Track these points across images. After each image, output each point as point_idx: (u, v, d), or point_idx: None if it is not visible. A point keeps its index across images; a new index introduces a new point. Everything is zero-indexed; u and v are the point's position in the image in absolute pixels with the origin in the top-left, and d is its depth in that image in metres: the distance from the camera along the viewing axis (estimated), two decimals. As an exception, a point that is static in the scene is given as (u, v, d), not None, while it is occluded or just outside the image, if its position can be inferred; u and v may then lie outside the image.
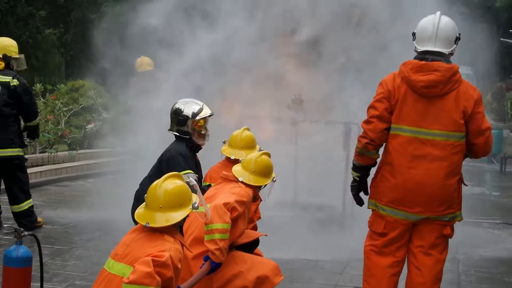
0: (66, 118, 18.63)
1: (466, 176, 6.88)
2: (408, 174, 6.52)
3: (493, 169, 20.18)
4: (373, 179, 6.88)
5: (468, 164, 9.38)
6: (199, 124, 8.24)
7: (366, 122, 6.69)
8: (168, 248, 5.40)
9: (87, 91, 21.25)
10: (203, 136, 8.29)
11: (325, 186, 11.68)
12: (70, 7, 41.89)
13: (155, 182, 5.69)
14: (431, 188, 6.50)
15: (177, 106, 8.36)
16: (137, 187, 9.29)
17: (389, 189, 6.64)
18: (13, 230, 6.96)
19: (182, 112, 8.26)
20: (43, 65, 47.01)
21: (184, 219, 5.63)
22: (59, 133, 17.91)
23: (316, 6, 12.70)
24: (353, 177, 6.99)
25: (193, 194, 5.68)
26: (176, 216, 5.48)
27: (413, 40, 6.76)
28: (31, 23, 44.45)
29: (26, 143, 11.56)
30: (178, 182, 5.61)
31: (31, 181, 14.05)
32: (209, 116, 8.38)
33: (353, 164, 6.93)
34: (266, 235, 7.86)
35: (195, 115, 8.22)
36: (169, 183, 5.56)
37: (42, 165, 16.51)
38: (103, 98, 20.03)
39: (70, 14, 42.37)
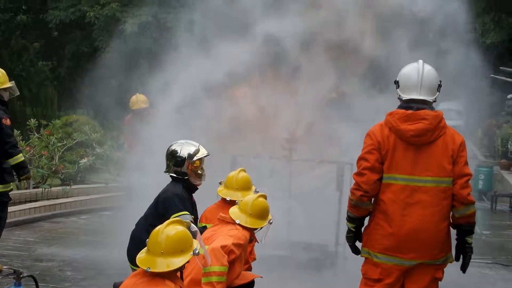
0: (60, 153, 18.60)
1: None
2: (402, 221, 6.55)
3: (484, 207, 20.10)
4: (366, 228, 6.91)
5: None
6: (195, 164, 8.23)
7: (359, 174, 6.71)
8: None
9: (80, 125, 21.30)
10: (199, 176, 8.28)
11: (318, 225, 11.59)
12: (64, 40, 41.95)
13: (157, 228, 5.70)
14: (425, 234, 6.54)
15: (173, 147, 8.37)
16: (132, 224, 9.29)
17: (383, 237, 6.66)
18: (12, 272, 7.05)
19: (179, 153, 8.26)
20: (35, 98, 47.00)
21: (184, 265, 5.63)
22: (53, 168, 17.88)
23: (310, 41, 12.84)
24: (348, 228, 6.98)
25: (194, 240, 5.70)
26: (177, 262, 5.49)
27: (396, 88, 6.83)
28: (25, 56, 44.61)
29: (17, 181, 11.46)
30: (180, 228, 5.62)
31: (24, 217, 14.20)
32: (205, 156, 8.41)
33: (348, 216, 6.93)
34: (261, 277, 7.90)
35: (191, 156, 8.22)
36: (170, 229, 5.58)
37: (36, 200, 16.46)
38: (97, 133, 20.06)
39: (64, 48, 42.44)
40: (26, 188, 17.36)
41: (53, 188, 17.49)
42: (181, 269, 5.72)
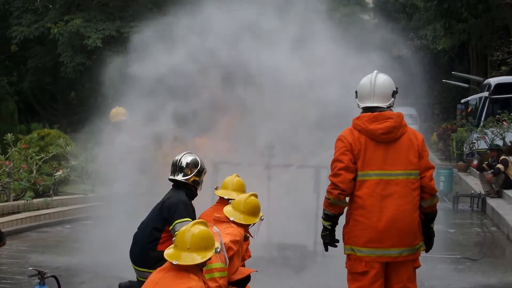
0: (37, 167, 18.71)
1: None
2: (381, 213, 6.78)
3: (446, 207, 20.42)
4: (344, 226, 7.06)
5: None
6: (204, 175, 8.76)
7: (334, 175, 6.88)
8: (194, 286, 5.74)
9: (53, 139, 21.43)
10: (200, 185, 8.75)
11: (297, 226, 11.79)
12: (24, 55, 41.68)
13: (184, 227, 6.04)
14: (402, 223, 6.79)
15: (193, 158, 8.72)
16: (114, 232, 9.56)
17: (363, 231, 6.84)
18: (37, 273, 7.40)
19: (200, 165, 8.67)
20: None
21: (206, 261, 5.96)
22: (32, 181, 17.98)
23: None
24: (324, 227, 7.11)
25: (215, 240, 6.07)
26: (201, 257, 5.84)
27: (356, 98, 7.17)
28: (-16, 72, 44.22)
29: None
30: (204, 228, 5.97)
31: (11, 228, 14.28)
32: None
33: (326, 215, 7.06)
34: (257, 271, 8.14)
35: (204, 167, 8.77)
36: (196, 228, 5.92)
37: (18, 212, 16.52)
38: (71, 146, 20.09)
39: (25, 63, 42.16)
40: (6, 201, 17.51)
41: (34, 200, 17.57)
42: (203, 264, 5.99)
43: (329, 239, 7.13)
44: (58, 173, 18.88)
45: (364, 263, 6.86)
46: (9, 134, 19.52)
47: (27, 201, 17.29)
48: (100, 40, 33.02)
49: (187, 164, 8.63)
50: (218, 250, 6.06)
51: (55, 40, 35.26)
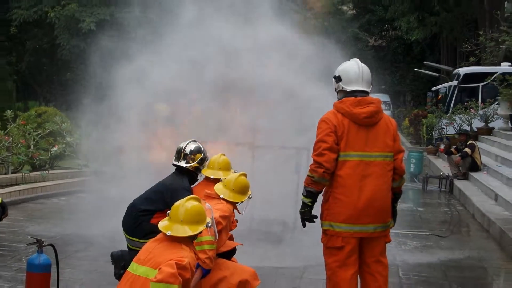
0: (34, 142, 18.68)
1: (393, 195, 7.41)
2: (360, 191, 6.81)
3: (416, 187, 20.64)
4: (323, 204, 7.05)
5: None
6: None
7: (319, 154, 6.86)
8: (186, 255, 5.81)
9: (50, 116, 21.39)
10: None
11: (278, 203, 11.86)
12: (23, 37, 41.45)
13: (179, 201, 6.12)
14: (378, 201, 6.87)
15: (197, 146, 8.78)
16: (104, 204, 9.48)
17: (343, 208, 6.84)
18: (35, 241, 7.37)
19: (203, 153, 8.74)
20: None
21: (197, 234, 6.05)
22: (30, 155, 17.95)
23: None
24: (304, 203, 7.08)
25: (207, 216, 6.16)
26: (192, 230, 5.93)
27: (337, 82, 7.11)
28: (-15, 52, 44.00)
29: None
30: (197, 204, 6.06)
31: (10, 199, 14.26)
32: None
33: (308, 192, 7.04)
34: (242, 244, 8.15)
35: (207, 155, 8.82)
36: (190, 203, 6.00)
37: (16, 184, 16.55)
38: (66, 123, 20.05)
39: (24, 44, 41.93)
40: (5, 173, 17.47)
41: (31, 173, 17.59)
42: (195, 237, 6.09)
43: (309, 215, 7.11)
44: (54, 148, 18.89)
45: (341, 238, 6.87)
46: (8, 111, 19.53)
47: (24, 174, 17.36)
48: (94, 24, 32.84)
49: (191, 151, 8.67)
50: (209, 225, 6.15)
51: (52, 23, 35.07)
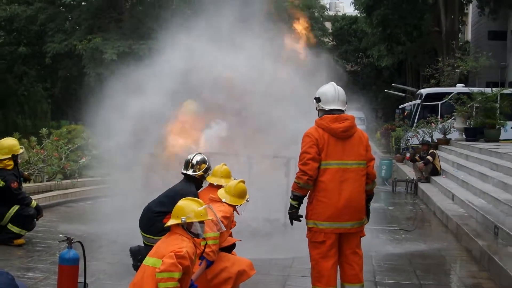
0: (65, 155, 18.65)
1: (367, 196, 7.34)
2: (339, 195, 6.84)
3: (387, 190, 20.57)
4: (308, 205, 7.06)
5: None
6: None
7: (304, 164, 6.88)
8: (185, 246, 6.00)
9: (78, 133, 21.32)
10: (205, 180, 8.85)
11: (271, 203, 11.79)
12: (56, 67, 41.41)
13: (180, 201, 6.33)
14: (355, 202, 6.91)
15: (202, 157, 8.86)
16: (119, 208, 9.43)
17: (325, 208, 6.88)
18: (66, 238, 7.35)
19: (208, 163, 8.83)
20: (33, 112, 46.51)
21: (188, 222, 6.26)
22: (61, 166, 17.90)
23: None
24: (292, 205, 7.10)
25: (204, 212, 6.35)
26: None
27: (318, 102, 7.11)
28: (25, 79, 44.06)
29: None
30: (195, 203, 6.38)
31: (45, 203, 14.16)
32: None
33: (295, 196, 7.05)
34: (240, 240, 8.16)
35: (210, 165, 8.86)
36: (191, 202, 6.36)
37: (50, 191, 16.50)
38: (92, 138, 19.95)
39: (57, 73, 41.94)
40: (41, 182, 17.39)
41: (62, 181, 17.55)
42: (190, 227, 6.31)
43: (296, 215, 7.12)
44: (82, 160, 18.78)
45: (323, 234, 6.91)
46: (43, 128, 19.54)
47: (57, 182, 17.28)
48: (115, 55, 32.77)
49: (197, 162, 8.71)
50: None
51: (80, 54, 34.99)
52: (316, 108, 7.21)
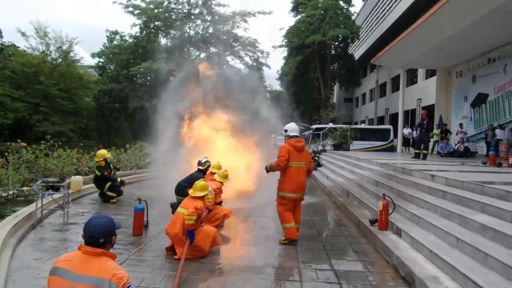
0: (138, 157, 18.17)
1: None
2: (297, 180, 6.61)
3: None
4: (280, 183, 6.69)
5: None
6: None
7: (281, 161, 6.56)
8: (200, 204, 5.78)
9: (143, 146, 20.68)
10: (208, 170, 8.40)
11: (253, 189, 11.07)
12: (134, 114, 39.76)
13: (196, 182, 6.00)
14: (303, 183, 6.67)
15: (206, 159, 8.33)
16: (166, 184, 9.20)
17: (289, 185, 6.61)
18: (137, 199, 7.12)
19: (210, 162, 8.37)
20: (122, 136, 45.46)
21: (205, 195, 5.94)
22: (136, 163, 17.41)
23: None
24: (266, 169, 6.75)
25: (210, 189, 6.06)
26: (202, 193, 5.97)
27: (285, 131, 6.74)
28: (118, 121, 42.62)
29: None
30: (204, 182, 6.09)
31: (129, 181, 13.49)
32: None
33: (271, 169, 6.67)
34: (224, 199, 7.99)
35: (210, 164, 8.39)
36: (200, 182, 6.09)
37: (131, 175, 15.71)
38: (152, 149, 19.31)
39: (135, 117, 39.95)
40: (126, 171, 16.75)
41: (137, 170, 16.76)
42: (203, 197, 5.99)
43: (267, 172, 6.78)
44: (147, 160, 18.24)
45: (286, 199, 6.66)
46: (127, 144, 19.04)
47: (134, 171, 16.66)
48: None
49: (204, 162, 8.36)
50: (211, 190, 6.13)
51: (146, 108, 33.75)
52: (284, 136, 6.82)
